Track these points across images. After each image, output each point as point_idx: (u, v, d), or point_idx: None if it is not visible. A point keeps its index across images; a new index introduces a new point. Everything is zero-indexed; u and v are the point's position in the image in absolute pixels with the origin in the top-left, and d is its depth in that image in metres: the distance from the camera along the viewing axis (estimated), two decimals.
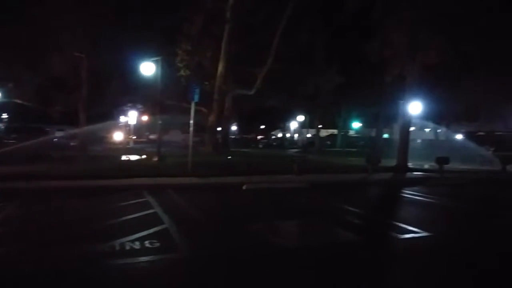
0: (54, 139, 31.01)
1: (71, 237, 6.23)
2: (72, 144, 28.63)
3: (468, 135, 31.38)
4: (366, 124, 49.22)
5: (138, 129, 46.51)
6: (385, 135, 44.14)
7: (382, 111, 35.53)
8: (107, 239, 5.98)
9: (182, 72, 23.41)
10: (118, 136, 41.41)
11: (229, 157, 21.00)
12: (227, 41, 23.26)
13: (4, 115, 39.61)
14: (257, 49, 24.08)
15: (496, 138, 28.90)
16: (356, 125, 48.65)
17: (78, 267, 4.92)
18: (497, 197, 12.28)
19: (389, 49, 16.45)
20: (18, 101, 27.37)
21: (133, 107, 36.11)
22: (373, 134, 46.04)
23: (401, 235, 6.81)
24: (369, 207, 9.95)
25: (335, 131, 50.30)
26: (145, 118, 44.47)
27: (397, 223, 7.72)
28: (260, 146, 46.75)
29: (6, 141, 23.20)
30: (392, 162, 17.19)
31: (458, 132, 34.22)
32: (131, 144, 38.22)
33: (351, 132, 53.12)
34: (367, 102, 34.93)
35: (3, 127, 35.41)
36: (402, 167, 16.85)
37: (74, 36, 22.47)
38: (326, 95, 30.94)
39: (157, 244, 5.83)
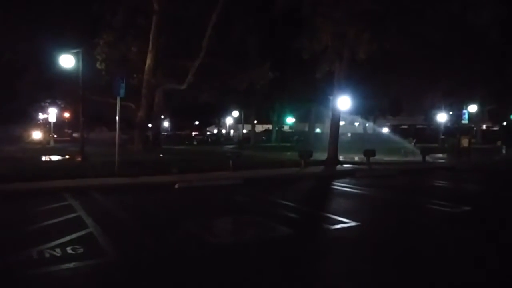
0: None
1: None
2: None
3: (393, 129, 33.72)
4: (300, 119, 50.67)
5: (60, 126, 43.16)
6: (318, 130, 45.81)
7: (314, 106, 36.74)
8: (25, 246, 5.44)
9: (99, 65, 21.99)
10: (36, 134, 38.05)
11: (161, 155, 20.24)
12: (155, 33, 22.28)
13: None
14: (188, 42, 23.43)
15: (417, 131, 31.40)
16: (290, 120, 49.83)
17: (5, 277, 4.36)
18: (417, 186, 13.24)
19: (318, 46, 16.87)
20: None
21: (53, 103, 33.41)
22: (306, 129, 47.59)
23: (331, 226, 7.03)
24: (301, 200, 10.11)
25: (270, 127, 51.09)
26: (66, 115, 41.52)
27: (328, 215, 7.96)
28: (195, 142, 45.91)
29: None
30: (324, 156, 17.76)
31: (384, 125, 36.66)
32: (52, 143, 35.30)
33: (286, 127, 54.36)
34: (300, 98, 35.89)
35: None
36: (333, 160, 17.47)
37: None
38: (260, 90, 31.17)
39: (81, 250, 5.38)
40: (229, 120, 57.57)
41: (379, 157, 17.78)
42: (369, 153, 16.75)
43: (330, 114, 19.19)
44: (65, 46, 17.34)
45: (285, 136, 46.65)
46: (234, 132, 61.05)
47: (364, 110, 32.96)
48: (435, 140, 30.88)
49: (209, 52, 23.22)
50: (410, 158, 20.10)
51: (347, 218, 7.46)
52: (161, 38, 22.53)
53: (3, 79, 22.17)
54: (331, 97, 18.98)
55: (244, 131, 51.71)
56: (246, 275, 4.67)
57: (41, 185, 10.61)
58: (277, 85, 30.66)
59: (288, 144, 36.59)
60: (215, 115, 59.54)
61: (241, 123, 52.23)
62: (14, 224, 6.91)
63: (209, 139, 50.21)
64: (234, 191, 11.00)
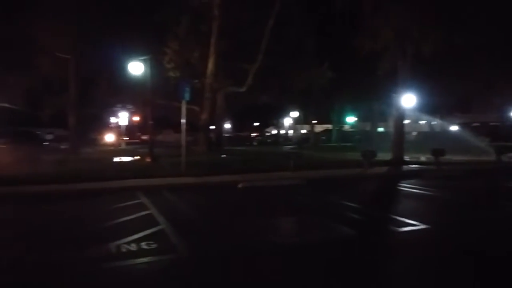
0: (44, 142, 30.57)
1: (67, 241, 6.06)
2: (62, 147, 28.21)
3: (463, 126, 31.52)
4: (361, 118, 49.26)
5: (130, 130, 46.04)
6: (380, 129, 44.22)
7: (376, 105, 35.52)
8: (103, 241, 5.84)
9: (171, 73, 23.16)
10: (109, 137, 40.96)
11: (223, 156, 20.79)
12: (216, 38, 23.02)
13: None
14: (247, 45, 23.88)
15: (490, 129, 29.08)
16: (350, 119, 48.63)
17: (75, 271, 4.78)
18: (493, 188, 12.28)
19: (379, 43, 16.35)
20: (6, 105, 26.92)
21: (124, 107, 35.75)
22: (368, 128, 46.12)
23: (399, 228, 6.76)
24: (366, 202, 9.85)
25: (329, 126, 50.28)
26: (136, 118, 44.12)
27: (395, 217, 7.66)
28: (255, 143, 46.55)
29: None
30: (388, 156, 17.13)
31: (453, 123, 34.40)
32: (123, 145, 37.78)
33: (346, 127, 53.14)
34: (361, 96, 34.88)
35: None
36: (398, 160, 16.80)
37: (62, 37, 22.12)
38: (319, 90, 30.82)
39: (154, 246, 5.69)
40: (288, 121, 57.54)
41: (448, 157, 16.75)
42: (437, 152, 15.85)
43: (394, 112, 18.48)
44: (134, 54, 18.49)
45: (345, 136, 45.59)
46: (292, 132, 60.87)
47: (430, 108, 31.19)
48: (510, 139, 28.45)
49: (267, 54, 23.48)
50: (483, 158, 18.67)
51: (415, 220, 7.15)
52: (221, 42, 23.19)
53: (81, 87, 24.20)
54: (394, 95, 18.27)
55: (303, 131, 51.37)
56: (311, 276, 4.67)
57: (115, 184, 11.38)
58: (337, 84, 30.11)
59: (349, 144, 35.71)
60: (274, 116, 59.84)
61: (300, 124, 51.96)
62: (93, 220, 7.42)
63: (268, 140, 50.59)
64: (295, 192, 11.02)
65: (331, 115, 46.00)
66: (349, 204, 9.00)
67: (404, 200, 10.44)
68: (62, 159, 18.45)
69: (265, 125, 65.74)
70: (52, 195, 10.16)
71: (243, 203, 9.63)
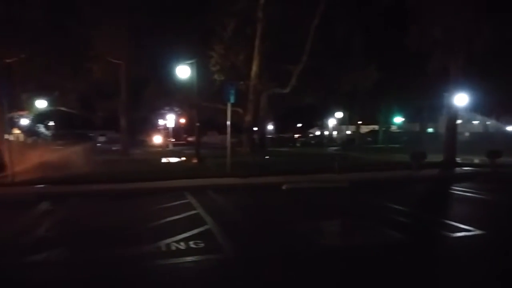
0: (97, 144, 32.26)
1: (118, 239, 6.36)
2: (114, 148, 29.66)
3: None
4: (409, 119, 47.56)
5: (176, 131, 47.49)
6: (429, 130, 42.49)
7: (426, 104, 34.15)
8: (153, 240, 6.06)
9: (216, 77, 23.67)
10: (157, 139, 42.50)
11: (267, 157, 20.89)
12: (260, 40, 23.21)
13: (51, 122, 41.71)
14: (291, 46, 23.85)
15: None
16: (398, 120, 47.07)
17: (131, 267, 5.01)
18: None
19: (429, 41, 15.71)
20: (63, 108, 28.75)
21: (171, 110, 36.93)
22: (417, 128, 44.46)
23: (452, 234, 6.46)
24: (416, 205, 9.50)
25: (376, 127, 48.96)
26: (182, 120, 45.40)
27: (447, 221, 7.34)
28: (298, 144, 46.31)
29: (53, 147, 24.32)
30: (438, 158, 16.42)
31: (510, 123, 32.28)
32: (170, 147, 39.05)
33: (393, 128, 51.51)
34: (409, 96, 33.69)
35: (50, 134, 37.32)
36: (450, 162, 16.04)
37: (114, 44, 23.31)
38: (365, 90, 30.12)
39: (202, 245, 5.83)
40: (332, 122, 56.68)
41: (505, 159, 15.75)
42: (493, 154, 14.96)
43: (445, 112, 17.69)
44: (181, 58, 19.07)
45: (392, 137, 44.23)
46: (337, 133, 59.87)
47: (484, 107, 29.50)
48: None
49: (312, 55, 23.32)
50: None
51: (469, 225, 6.80)
52: (265, 44, 23.34)
53: (131, 91, 25.37)
54: (446, 94, 17.49)
55: (348, 132, 50.41)
56: (359, 280, 4.60)
57: (164, 184, 11.79)
58: (384, 84, 29.31)
59: (397, 146, 34.62)
60: (318, 117, 59.17)
61: (345, 124, 51.01)
62: (144, 219, 7.69)
63: (312, 141, 50.12)
64: (341, 194, 10.86)
65: (378, 115, 44.77)
66: (398, 207, 8.74)
67: (456, 204, 9.98)
68: (114, 160, 19.39)
69: (308, 126, 65.20)
70: (106, 194, 10.73)
71: (288, 204, 9.62)
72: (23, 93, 24.88)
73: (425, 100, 32.52)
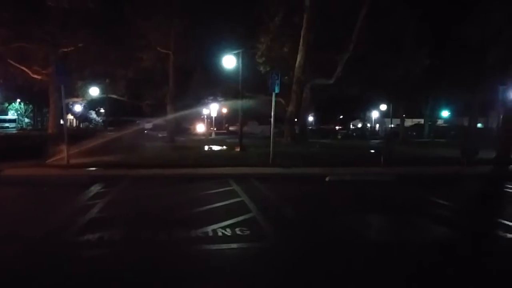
0: (144, 131, 33.44)
1: (166, 222, 6.61)
2: (160, 135, 30.66)
3: None
4: (457, 113, 45.35)
5: (218, 120, 48.26)
6: (478, 125, 40.30)
7: (477, 98, 32.37)
8: (199, 224, 6.25)
9: (262, 68, 23.74)
10: (200, 127, 43.44)
11: (309, 148, 20.76)
12: (306, 30, 22.91)
13: (102, 109, 43.77)
14: (337, 35, 23.38)
15: None
16: (445, 113, 45.02)
17: (178, 250, 5.23)
18: None
19: (489, 30, 14.83)
20: (114, 96, 30.04)
21: (214, 99, 37.54)
22: (465, 123, 42.30)
23: (507, 234, 6.17)
24: (466, 202, 9.15)
25: (421, 121, 47.13)
26: (224, 110, 46.01)
27: (502, 220, 7.00)
28: (339, 136, 45.60)
29: (104, 133, 25.54)
30: (489, 154, 15.58)
31: None
32: (213, 136, 39.80)
33: (440, 122, 49.37)
34: (459, 88, 32.05)
35: (101, 120, 39.10)
36: (504, 159, 15.17)
37: (162, 34, 23.99)
38: (414, 81, 29.00)
39: (247, 232, 5.96)
40: (375, 114, 55.21)
41: None
42: None
43: (499, 106, 16.71)
44: (226, 48, 19.30)
45: (439, 131, 42.42)
46: (380, 126, 58.26)
47: None
48: None
49: (359, 44, 22.75)
50: None
51: None
52: (311, 34, 23.03)
53: (178, 80, 26.06)
54: (502, 87, 16.49)
55: (392, 125, 48.93)
56: (401, 277, 4.53)
57: (208, 171, 12.09)
58: (432, 75, 28.08)
59: (443, 140, 33.21)
60: (360, 109, 57.85)
61: (388, 117, 49.49)
62: (190, 204, 7.95)
63: (354, 134, 49.15)
64: (386, 188, 10.64)
65: (424, 108, 43.02)
66: (446, 203, 8.45)
67: (510, 204, 9.48)
68: (160, 146, 20.07)
69: (350, 118, 63.93)
70: (154, 178, 11.20)
71: (332, 196, 9.56)
72: (78, 80, 26.26)
73: (476, 93, 30.82)
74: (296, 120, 26.95)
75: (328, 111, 55.79)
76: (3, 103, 43.80)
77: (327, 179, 11.40)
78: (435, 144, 28.16)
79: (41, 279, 4.26)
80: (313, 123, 56.70)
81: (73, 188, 9.57)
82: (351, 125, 63.47)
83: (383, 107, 47.33)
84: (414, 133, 43.99)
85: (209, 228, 6.07)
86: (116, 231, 5.96)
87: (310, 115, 48.74)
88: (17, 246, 5.25)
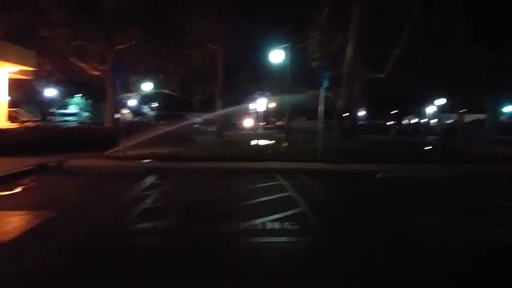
0: (194, 125, 34.36)
1: (217, 214, 6.75)
2: (209, 129, 31.34)
3: None
4: None
5: (266, 115, 48.38)
6: None
7: None
8: (249, 217, 6.33)
9: (313, 63, 23.45)
10: (248, 122, 43.82)
11: (359, 144, 20.22)
12: (356, 23, 22.24)
13: (155, 104, 45.53)
14: (389, 29, 22.47)
15: None
16: (510, 109, 41.93)
17: (224, 241, 5.33)
18: None
19: None
20: (166, 91, 31.11)
21: (262, 94, 37.69)
22: None
23: None
24: None
25: (481, 116, 44.26)
26: (272, 105, 46.00)
27: None
28: (392, 132, 44.03)
29: (156, 126, 26.55)
30: None
31: None
32: (260, 130, 40.00)
33: (503, 117, 46.08)
34: None
35: (154, 114, 40.69)
36: None
37: (211, 31, 24.44)
38: (473, 74, 27.29)
39: (295, 227, 5.94)
40: (431, 109, 52.59)
41: None
42: None
43: None
44: (274, 43, 19.23)
45: (502, 128, 39.59)
46: (435, 122, 55.45)
47: None
48: None
49: (411, 37, 21.75)
50: None
51: None
52: (361, 27, 22.33)
53: (226, 76, 26.48)
54: None
55: (449, 121, 46.42)
56: (452, 279, 4.29)
57: (256, 165, 12.13)
58: (496, 68, 26.24)
59: (507, 137, 30.94)
60: (415, 104, 55.34)
61: (445, 112, 46.96)
62: (239, 197, 8.04)
63: (408, 129, 47.27)
64: (443, 187, 10.11)
65: (485, 103, 40.32)
66: (508, 204, 7.87)
67: None
68: (209, 140, 20.50)
69: (404, 113, 61.41)
70: (204, 171, 11.48)
71: (383, 194, 9.24)
72: (132, 76, 27.47)
73: None
74: (345, 115, 26.35)
75: (380, 106, 53.99)
76: (64, 98, 46.88)
77: (378, 176, 11.05)
78: (497, 141, 26.32)
79: (102, 262, 4.53)
80: (365, 118, 55.12)
81: (129, 178, 10.01)
82: (407, 120, 61.03)
83: (441, 101, 44.92)
84: (474, 129, 41.44)
85: (258, 221, 6.12)
86: (169, 221, 6.17)
87: (361, 110, 47.45)
88: (80, 230, 5.62)
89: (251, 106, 40.99)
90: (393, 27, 22.11)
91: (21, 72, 19.52)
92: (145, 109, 55.52)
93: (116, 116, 23.19)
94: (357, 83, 26.00)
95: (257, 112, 43.14)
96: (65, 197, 8.08)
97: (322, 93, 13.75)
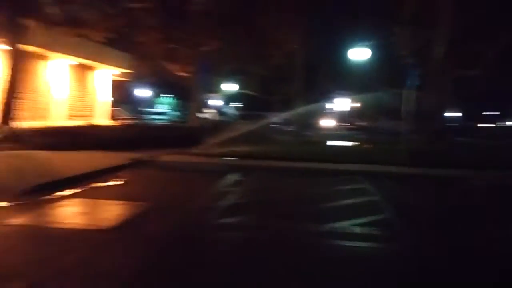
0: (273, 125, 34.74)
1: (298, 213, 6.82)
2: (288, 129, 31.47)
3: None
4: None
5: (346, 115, 47.14)
6: None
7: None
8: (330, 219, 6.30)
9: (401, 61, 22.34)
10: (328, 122, 43.06)
11: (453, 147, 18.67)
12: (448, 17, 20.56)
13: (238, 104, 47.15)
14: (486, 20, 20.43)
15: None
16: None
17: (305, 241, 5.37)
18: None
19: None
20: (248, 91, 32.00)
21: (341, 94, 36.86)
22: None
23: None
24: None
25: None
26: (353, 104, 44.71)
27: None
28: (487, 135, 40.11)
29: (238, 125, 27.30)
30: None
31: None
32: (340, 130, 39.10)
33: None
34: None
35: (237, 114, 42.14)
36: None
37: (289, 31, 24.53)
38: None
39: (378, 233, 5.77)
40: None
41: None
42: None
43: None
44: (353, 42, 18.70)
45: None
46: None
47: None
48: None
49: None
50: None
51: None
52: (453, 23, 20.64)
53: (305, 76, 26.44)
54: None
55: None
56: None
57: (337, 166, 11.91)
58: None
59: None
60: None
61: None
62: (321, 198, 7.98)
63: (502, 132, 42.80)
64: None
65: None
66: None
67: None
68: (288, 140, 20.62)
69: (505, 114, 55.50)
70: (284, 170, 11.61)
71: (476, 202, 8.51)
72: (215, 77, 28.73)
73: None
74: (434, 116, 24.61)
75: (478, 107, 49.58)
76: (155, 98, 50.54)
77: (471, 182, 10.17)
78: None
79: (191, 252, 4.87)
80: (458, 120, 50.89)
81: (213, 174, 10.49)
82: (506, 122, 55.18)
83: None
84: None
85: (339, 224, 6.06)
86: (252, 217, 6.41)
87: (452, 111, 43.90)
88: (174, 222, 6.11)
89: (331, 105, 40.29)
90: (492, 17, 20.07)
91: (121, 74, 21.59)
92: (229, 109, 57.65)
93: (199, 115, 24.42)
94: (447, 82, 24.10)
95: (337, 112, 42.27)
96: (159, 190, 8.80)
97: (408, 93, 13.07)
